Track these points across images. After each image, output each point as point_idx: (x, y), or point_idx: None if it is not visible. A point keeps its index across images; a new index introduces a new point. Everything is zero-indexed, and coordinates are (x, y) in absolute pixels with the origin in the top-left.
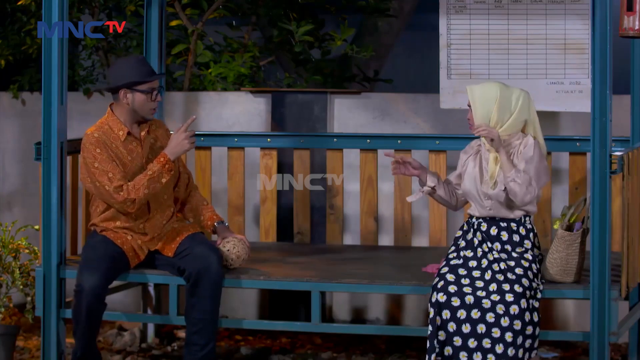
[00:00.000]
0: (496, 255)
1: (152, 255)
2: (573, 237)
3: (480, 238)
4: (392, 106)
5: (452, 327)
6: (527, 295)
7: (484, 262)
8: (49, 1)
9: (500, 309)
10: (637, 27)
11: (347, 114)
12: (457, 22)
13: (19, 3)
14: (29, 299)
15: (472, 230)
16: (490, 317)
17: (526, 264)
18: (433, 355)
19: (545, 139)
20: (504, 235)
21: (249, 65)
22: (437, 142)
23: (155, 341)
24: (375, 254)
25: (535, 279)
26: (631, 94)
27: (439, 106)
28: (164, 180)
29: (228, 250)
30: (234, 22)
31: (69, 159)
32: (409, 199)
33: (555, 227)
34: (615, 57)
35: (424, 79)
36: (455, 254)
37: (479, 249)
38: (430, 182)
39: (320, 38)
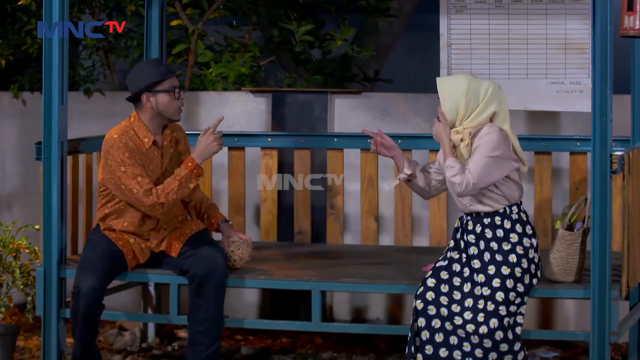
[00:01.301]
0: (477, 266)
1: (154, 255)
2: (574, 237)
3: (466, 239)
4: (392, 106)
5: (425, 335)
6: (502, 313)
7: (466, 272)
8: (49, 1)
9: (470, 327)
10: (637, 27)
11: (347, 113)
12: (457, 22)
13: (20, 3)
14: (29, 298)
15: (461, 229)
16: (461, 332)
17: (513, 260)
18: None
19: (546, 139)
20: (488, 233)
21: (250, 65)
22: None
23: (155, 341)
24: (375, 253)
25: (521, 282)
26: (631, 93)
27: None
28: (191, 185)
29: (232, 251)
30: (234, 21)
31: (69, 158)
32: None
33: (556, 226)
34: (616, 56)
35: (424, 78)
36: (443, 255)
37: (464, 254)
38: (408, 169)
39: (320, 38)
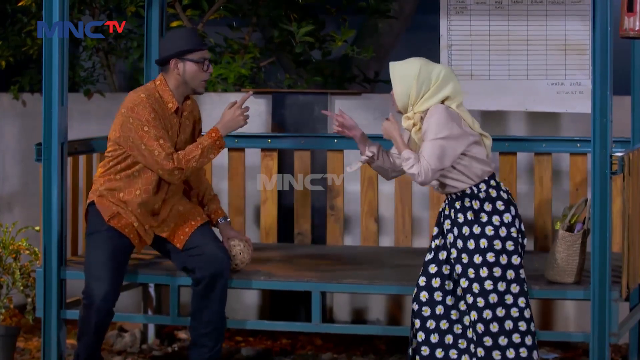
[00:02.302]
0: (454, 255)
1: (158, 239)
2: (574, 238)
3: (445, 225)
4: (392, 107)
5: (420, 336)
6: (491, 303)
7: (453, 252)
8: (49, 1)
9: (467, 320)
10: (637, 28)
11: (348, 114)
12: (457, 23)
13: (20, 4)
14: (29, 300)
15: (442, 215)
16: (457, 328)
17: (484, 244)
18: None
19: (546, 140)
20: (460, 217)
21: (250, 66)
22: None
23: (155, 342)
24: (375, 254)
25: (498, 265)
26: (631, 94)
27: None
28: (212, 156)
29: (234, 255)
30: (234, 23)
31: (69, 159)
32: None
33: (557, 227)
34: (616, 58)
35: None
36: (429, 246)
37: (445, 241)
38: (369, 151)
39: (320, 39)
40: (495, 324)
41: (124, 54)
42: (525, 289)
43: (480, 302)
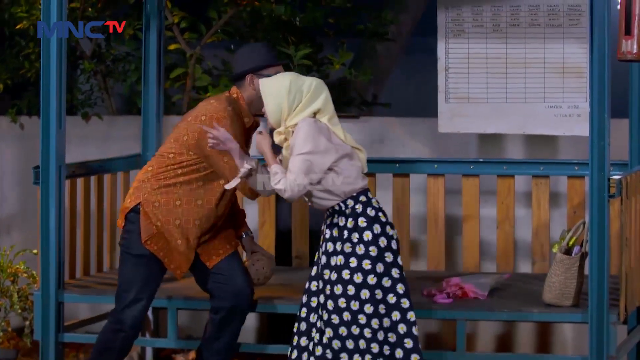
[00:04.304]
0: (326, 277)
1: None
2: (572, 261)
3: (322, 248)
4: (390, 130)
5: (292, 353)
6: (345, 320)
7: (318, 269)
8: (48, 1)
9: (325, 338)
10: (635, 51)
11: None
12: (455, 45)
13: (18, 27)
14: (27, 322)
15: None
16: (317, 350)
17: (340, 261)
18: None
19: (544, 163)
20: (327, 234)
21: None
22: (436, 166)
23: None
24: None
25: (351, 283)
26: (629, 117)
27: (437, 130)
28: None
29: (257, 270)
30: (232, 46)
31: (67, 182)
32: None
33: (554, 250)
34: (614, 80)
35: (422, 102)
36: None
37: (319, 265)
38: (247, 164)
39: (318, 62)
40: (351, 340)
41: (122, 77)
42: (382, 311)
43: (335, 319)
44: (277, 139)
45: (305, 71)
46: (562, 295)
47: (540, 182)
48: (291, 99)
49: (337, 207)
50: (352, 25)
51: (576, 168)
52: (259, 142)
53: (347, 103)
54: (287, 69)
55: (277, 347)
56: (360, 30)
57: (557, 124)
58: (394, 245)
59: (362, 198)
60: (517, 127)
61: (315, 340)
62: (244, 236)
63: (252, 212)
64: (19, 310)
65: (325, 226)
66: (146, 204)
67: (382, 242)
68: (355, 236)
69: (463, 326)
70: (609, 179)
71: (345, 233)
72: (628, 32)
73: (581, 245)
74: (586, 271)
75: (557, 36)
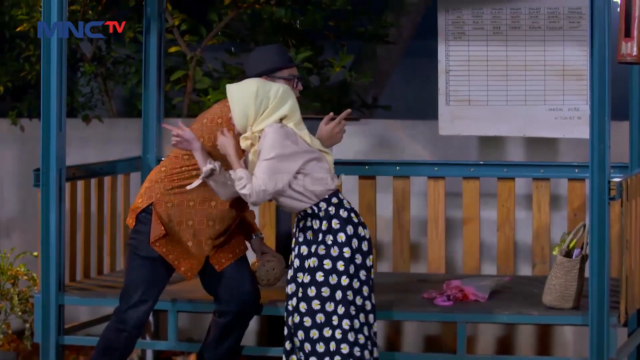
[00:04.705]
0: (299, 280)
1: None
2: (572, 264)
3: (292, 245)
4: (390, 133)
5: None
6: (318, 323)
7: (292, 272)
8: (48, 2)
9: (296, 341)
10: (634, 53)
11: (345, 140)
12: (455, 48)
13: (18, 29)
14: (27, 325)
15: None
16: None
17: (314, 263)
18: None
19: (544, 165)
20: (300, 237)
21: None
22: (436, 168)
23: None
24: (374, 280)
25: (326, 285)
26: (629, 120)
27: (437, 133)
28: None
29: (267, 270)
30: (232, 48)
31: (67, 185)
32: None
33: (555, 253)
34: (614, 83)
35: (422, 105)
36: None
37: (292, 268)
38: (210, 164)
39: (319, 64)
40: (321, 343)
41: (122, 80)
42: (353, 312)
43: (307, 321)
44: (244, 144)
45: (306, 74)
46: (562, 297)
47: (540, 185)
48: (258, 104)
49: (309, 210)
50: (352, 28)
51: (576, 170)
52: (223, 144)
53: (347, 105)
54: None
55: (278, 349)
56: (361, 32)
57: (557, 126)
58: (364, 246)
59: (334, 200)
60: (517, 130)
61: (297, 344)
62: (254, 237)
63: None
64: (19, 313)
65: (297, 229)
66: (159, 205)
67: (355, 243)
68: (329, 238)
69: (463, 329)
70: (609, 182)
71: (320, 235)
72: (628, 34)
73: (581, 248)
74: (586, 274)
75: (558, 39)
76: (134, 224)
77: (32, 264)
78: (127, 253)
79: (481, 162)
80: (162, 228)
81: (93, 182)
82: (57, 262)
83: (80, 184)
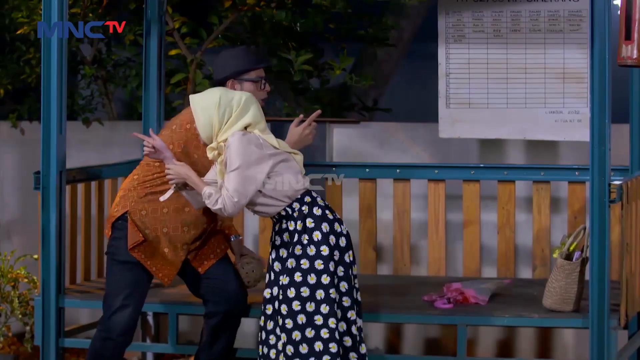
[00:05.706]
0: (281, 282)
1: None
2: (572, 266)
3: (273, 255)
4: (391, 135)
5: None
6: (300, 324)
7: (272, 275)
8: (48, 2)
9: (280, 344)
10: (635, 56)
11: (346, 143)
12: (456, 51)
13: (18, 32)
14: (28, 328)
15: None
16: (272, 353)
17: (292, 264)
18: None
19: (544, 168)
20: (277, 240)
21: None
22: (436, 171)
23: None
24: (374, 282)
25: (306, 284)
26: (630, 122)
27: (437, 135)
28: None
29: (247, 273)
30: None
31: (68, 188)
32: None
33: (555, 255)
34: (614, 86)
35: (422, 108)
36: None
37: (273, 272)
38: None
39: (319, 67)
40: (304, 345)
41: (123, 82)
42: (337, 309)
43: (289, 323)
44: (210, 154)
45: (306, 76)
46: (562, 300)
47: (540, 188)
48: (221, 113)
49: (283, 212)
50: (352, 31)
51: (577, 173)
52: (178, 172)
53: (347, 108)
54: (286, 74)
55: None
56: (361, 35)
57: (557, 129)
58: (342, 242)
59: (307, 199)
60: (517, 133)
61: (279, 347)
62: (233, 239)
63: (253, 217)
64: (20, 316)
65: (274, 233)
66: (133, 213)
67: (332, 240)
68: (305, 237)
69: (464, 331)
70: (609, 184)
71: (296, 236)
72: (628, 37)
73: (582, 251)
74: (587, 276)
75: (558, 41)
76: (110, 233)
77: (32, 267)
78: (107, 262)
79: (481, 165)
80: (140, 234)
81: (93, 184)
82: (58, 264)
83: (80, 186)
